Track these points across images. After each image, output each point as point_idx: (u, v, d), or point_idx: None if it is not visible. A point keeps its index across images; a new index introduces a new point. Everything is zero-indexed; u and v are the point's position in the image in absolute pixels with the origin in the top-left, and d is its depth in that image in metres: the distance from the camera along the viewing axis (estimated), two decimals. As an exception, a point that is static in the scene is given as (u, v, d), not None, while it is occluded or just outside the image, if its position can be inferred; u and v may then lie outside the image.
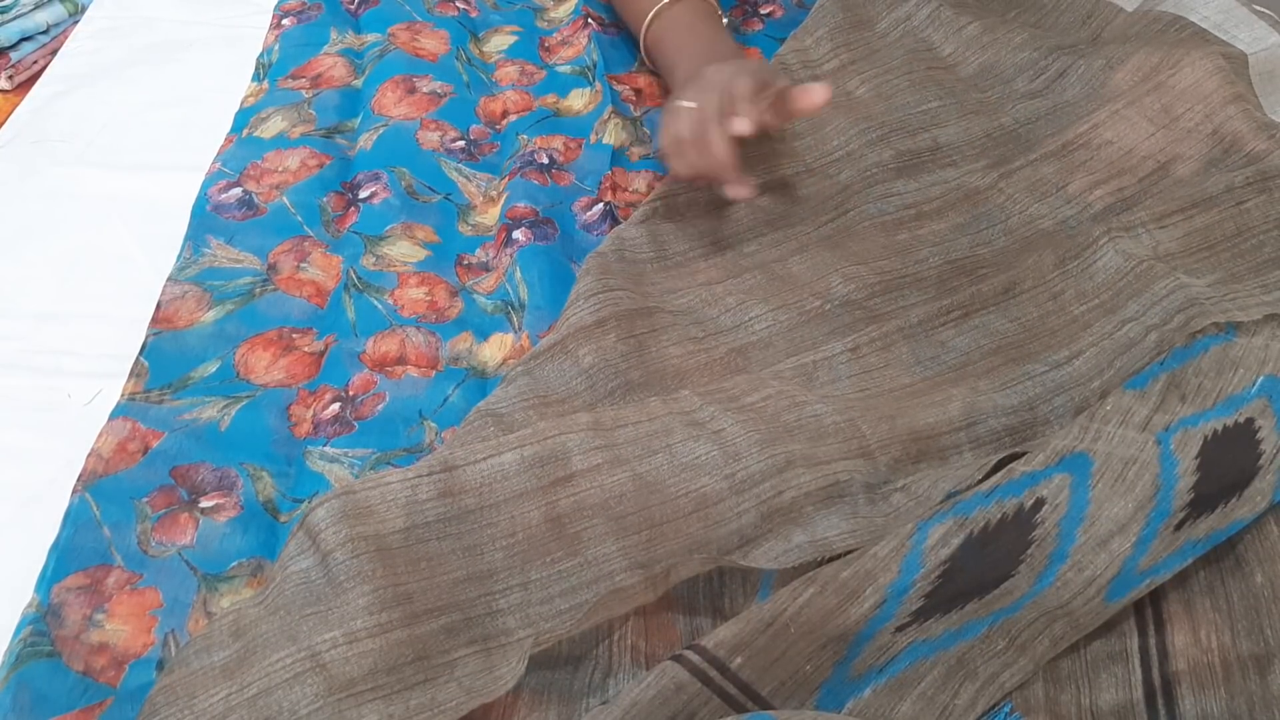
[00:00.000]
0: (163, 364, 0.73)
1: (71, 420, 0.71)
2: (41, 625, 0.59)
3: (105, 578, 0.62)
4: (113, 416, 0.70)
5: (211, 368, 0.74)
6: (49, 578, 0.61)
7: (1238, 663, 0.60)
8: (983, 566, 0.59)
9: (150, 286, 0.80)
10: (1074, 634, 0.60)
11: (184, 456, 0.68)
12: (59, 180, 0.90)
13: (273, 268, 0.81)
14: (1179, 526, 0.60)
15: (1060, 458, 0.62)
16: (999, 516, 0.60)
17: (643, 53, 1.00)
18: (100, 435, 0.68)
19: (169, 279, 0.80)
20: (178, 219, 0.85)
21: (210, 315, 0.77)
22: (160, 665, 0.58)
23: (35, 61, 1.24)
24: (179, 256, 0.81)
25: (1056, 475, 0.61)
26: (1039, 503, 0.60)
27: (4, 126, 0.98)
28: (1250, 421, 0.64)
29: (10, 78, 1.22)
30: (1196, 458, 0.62)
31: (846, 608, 0.57)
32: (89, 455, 0.67)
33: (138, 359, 0.74)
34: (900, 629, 0.58)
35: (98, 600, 0.60)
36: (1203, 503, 0.61)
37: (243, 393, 0.72)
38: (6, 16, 1.22)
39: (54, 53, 1.11)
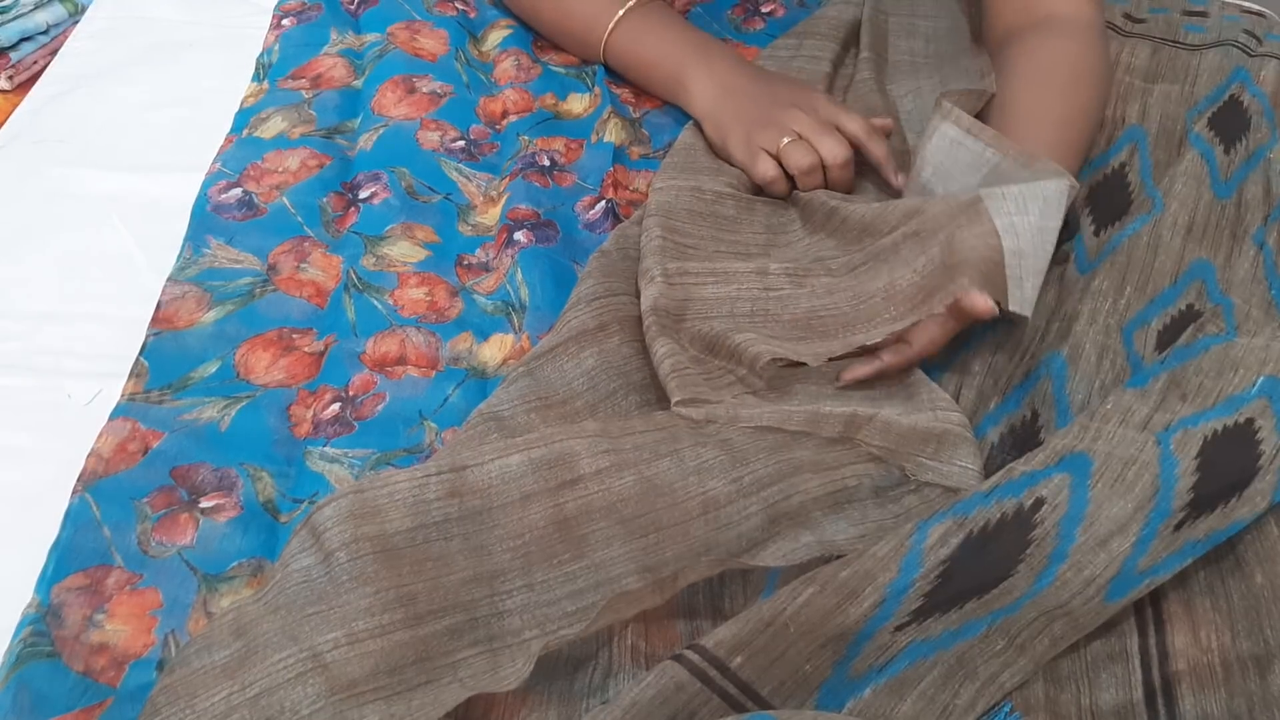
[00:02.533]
0: (163, 364, 0.73)
1: (71, 420, 0.71)
2: (41, 625, 0.59)
3: (105, 578, 0.62)
4: (113, 416, 0.70)
5: (211, 368, 0.74)
6: (49, 578, 0.61)
7: (1238, 663, 0.60)
8: (982, 566, 0.59)
9: (150, 286, 0.80)
10: (1074, 634, 0.60)
11: (184, 457, 0.68)
12: (59, 180, 0.90)
13: (273, 268, 0.81)
14: (1179, 527, 0.60)
15: (1060, 457, 0.62)
16: (998, 516, 0.60)
17: (603, 59, 1.00)
18: (100, 435, 0.68)
19: (169, 279, 0.80)
20: (178, 219, 0.85)
21: (210, 315, 0.77)
22: (160, 665, 0.58)
23: (35, 61, 1.24)
24: (179, 256, 0.81)
25: (1056, 475, 0.61)
26: (1039, 502, 0.60)
27: (4, 126, 0.98)
28: (1250, 422, 0.64)
29: (10, 78, 1.21)
30: (1196, 458, 0.62)
31: (846, 607, 0.57)
32: (89, 455, 0.67)
33: (138, 359, 0.74)
34: (899, 628, 0.58)
35: (98, 600, 0.60)
36: (1202, 503, 0.61)
37: (243, 393, 0.72)
38: (6, 16, 1.22)
39: (54, 53, 1.11)
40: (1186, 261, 0.81)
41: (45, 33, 1.25)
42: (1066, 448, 0.63)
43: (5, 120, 0.99)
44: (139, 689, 0.57)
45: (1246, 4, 1.12)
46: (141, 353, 0.74)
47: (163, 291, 0.78)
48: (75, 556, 0.62)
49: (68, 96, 1.00)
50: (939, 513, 0.61)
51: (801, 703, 0.56)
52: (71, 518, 0.64)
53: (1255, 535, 0.65)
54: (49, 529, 0.63)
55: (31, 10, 1.24)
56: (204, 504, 0.66)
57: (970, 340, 0.78)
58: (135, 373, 0.73)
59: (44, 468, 0.68)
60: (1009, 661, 0.59)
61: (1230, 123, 0.93)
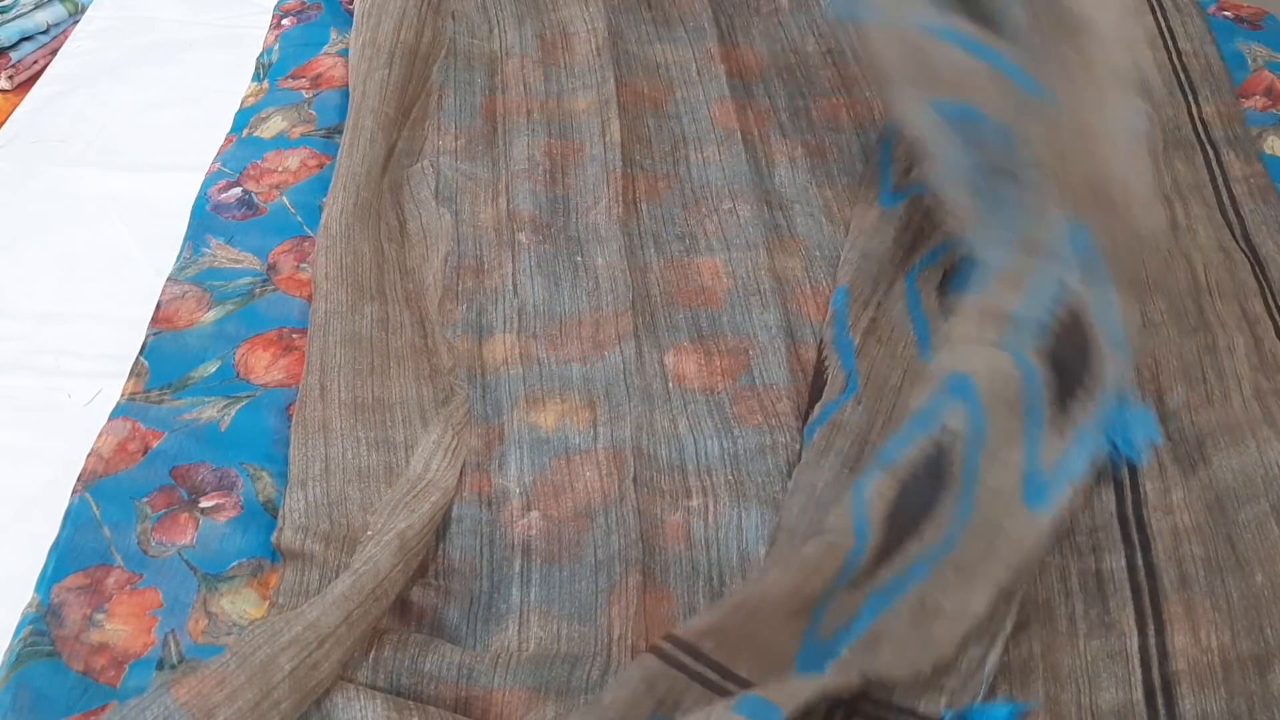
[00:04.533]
0: (163, 364, 0.73)
1: (71, 420, 0.71)
2: (41, 625, 0.59)
3: (105, 578, 0.62)
4: (113, 416, 0.70)
5: (211, 368, 0.74)
6: (49, 577, 0.61)
7: (1237, 662, 0.60)
8: (912, 507, 0.60)
9: (150, 286, 0.80)
10: (1019, 551, 0.61)
11: (184, 456, 0.68)
12: (59, 180, 0.90)
13: (272, 267, 0.81)
14: (1056, 421, 0.62)
15: (943, 378, 0.64)
16: (921, 457, 0.61)
17: None
18: (100, 435, 0.68)
19: (169, 279, 0.80)
20: (178, 219, 0.85)
21: (210, 315, 0.77)
22: (160, 665, 0.58)
23: (35, 61, 1.24)
24: (179, 256, 0.81)
25: (952, 403, 0.62)
26: (947, 432, 0.61)
27: (4, 126, 0.98)
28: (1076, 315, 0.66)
29: (10, 78, 1.21)
30: (1038, 352, 0.63)
31: (811, 579, 0.57)
32: (89, 455, 0.67)
33: (138, 359, 0.74)
34: (853, 585, 0.58)
35: (98, 600, 0.61)
36: (1064, 388, 0.62)
37: (243, 393, 0.72)
38: (6, 16, 1.22)
39: (54, 53, 1.11)
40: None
41: (45, 33, 1.25)
42: (946, 368, 0.65)
43: (5, 120, 0.99)
44: (139, 689, 0.57)
45: (1246, 4, 1.12)
46: (141, 352, 0.74)
47: (162, 291, 0.78)
48: (75, 556, 0.62)
49: (68, 96, 1.00)
50: (868, 469, 0.62)
51: (780, 676, 0.56)
52: (71, 517, 0.64)
53: (1256, 535, 0.65)
54: (49, 529, 0.63)
55: (31, 10, 1.24)
56: (204, 504, 0.66)
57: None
58: (135, 372, 0.73)
59: (44, 468, 0.68)
60: (969, 590, 0.59)
61: None
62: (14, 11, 1.23)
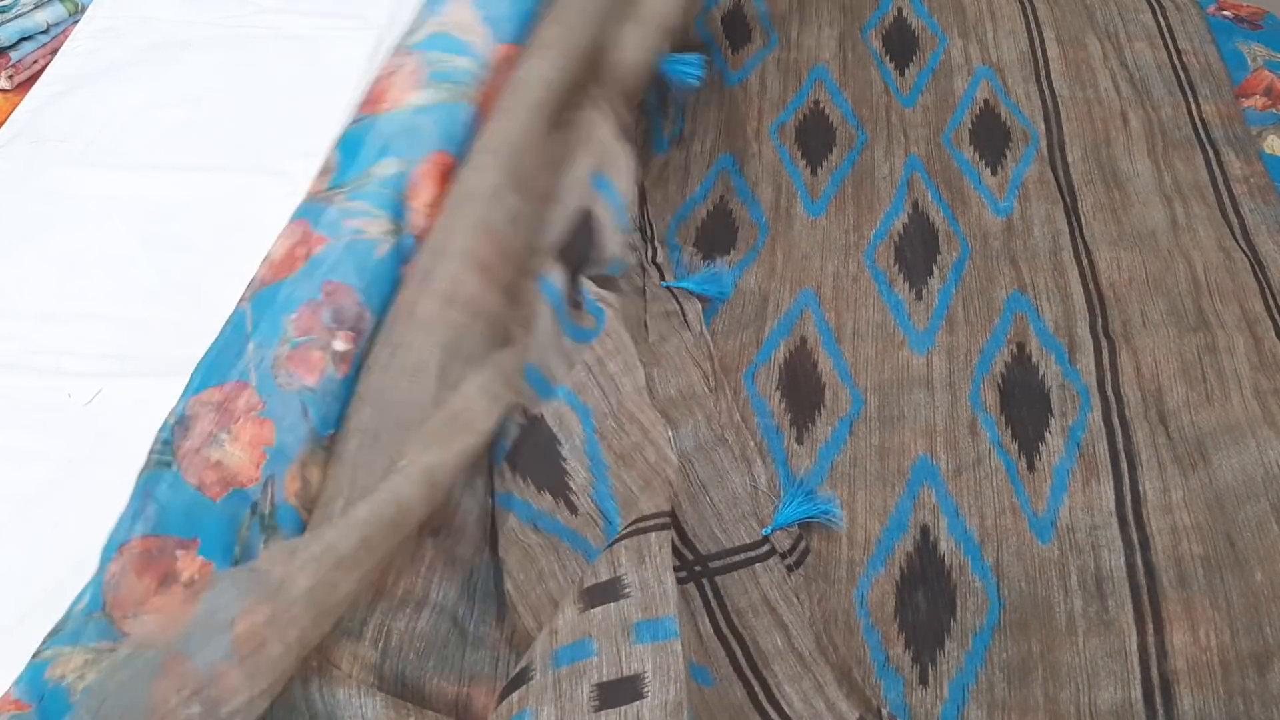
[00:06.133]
0: (351, 157, 0.71)
1: (71, 420, 0.71)
2: (168, 435, 0.59)
3: (237, 397, 0.60)
4: (293, 219, 0.69)
5: (390, 168, 0.70)
6: (195, 388, 0.61)
7: (1236, 661, 0.60)
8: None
9: (151, 286, 0.79)
10: None
11: (337, 272, 0.66)
12: (59, 180, 0.90)
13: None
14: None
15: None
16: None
17: None
18: (278, 238, 0.68)
19: (395, 50, 0.77)
20: (178, 219, 0.85)
21: (416, 99, 0.73)
22: (254, 508, 0.58)
23: (35, 61, 1.24)
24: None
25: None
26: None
27: (4, 126, 0.98)
28: None
29: (10, 78, 1.21)
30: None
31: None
32: (263, 262, 0.67)
33: (331, 152, 0.72)
34: None
35: (226, 420, 0.60)
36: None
37: (403, 222, 0.69)
38: (6, 16, 1.21)
39: (54, 53, 1.11)
40: None
41: (45, 32, 1.25)
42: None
43: (5, 120, 0.99)
44: (234, 513, 0.57)
45: (1246, 3, 1.12)
46: (336, 145, 0.72)
47: (383, 66, 0.76)
48: (218, 368, 0.62)
49: (68, 96, 1.00)
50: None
51: None
52: (231, 323, 0.64)
53: (1255, 534, 0.66)
54: (49, 529, 0.63)
55: (31, 10, 1.24)
56: (335, 345, 0.64)
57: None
58: (324, 169, 0.71)
59: (44, 468, 0.68)
60: None
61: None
62: (14, 11, 1.23)
